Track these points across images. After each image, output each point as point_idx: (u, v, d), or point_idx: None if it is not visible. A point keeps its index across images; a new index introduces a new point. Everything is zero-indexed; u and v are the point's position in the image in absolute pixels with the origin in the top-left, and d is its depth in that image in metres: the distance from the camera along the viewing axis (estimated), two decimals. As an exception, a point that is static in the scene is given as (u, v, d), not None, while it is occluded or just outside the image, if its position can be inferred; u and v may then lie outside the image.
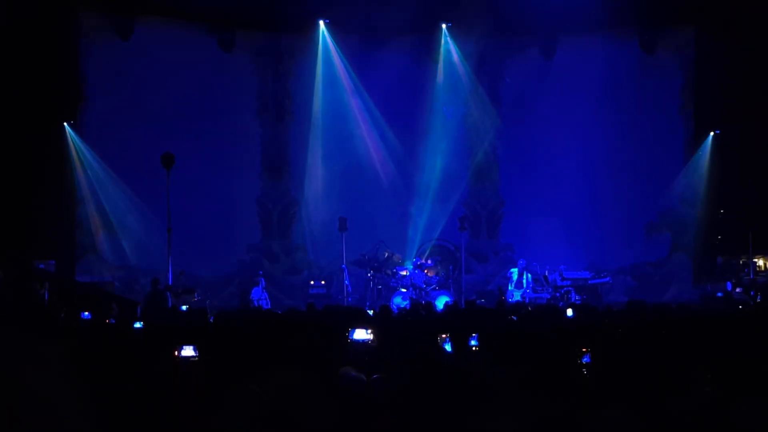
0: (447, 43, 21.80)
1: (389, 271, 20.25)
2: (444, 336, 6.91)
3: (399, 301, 18.40)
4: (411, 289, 19.29)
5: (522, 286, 19.07)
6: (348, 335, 7.00)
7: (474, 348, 6.93)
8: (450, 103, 22.31)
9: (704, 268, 21.20)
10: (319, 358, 5.76)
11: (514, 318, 9.90)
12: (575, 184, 21.25)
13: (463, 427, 4.36)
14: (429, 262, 20.57)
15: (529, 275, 19.28)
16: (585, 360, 6.00)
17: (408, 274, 19.96)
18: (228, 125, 21.17)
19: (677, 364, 5.24)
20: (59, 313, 11.96)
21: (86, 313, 11.30)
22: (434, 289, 19.52)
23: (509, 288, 19.05)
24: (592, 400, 4.58)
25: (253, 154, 21.61)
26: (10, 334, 1.65)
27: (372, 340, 6.91)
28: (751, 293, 17.37)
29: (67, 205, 19.34)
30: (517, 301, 17.48)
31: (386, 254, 21.25)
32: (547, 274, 19.65)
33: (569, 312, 10.87)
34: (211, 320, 10.84)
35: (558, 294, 19.12)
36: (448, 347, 6.88)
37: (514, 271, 19.46)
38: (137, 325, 9.45)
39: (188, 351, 5.98)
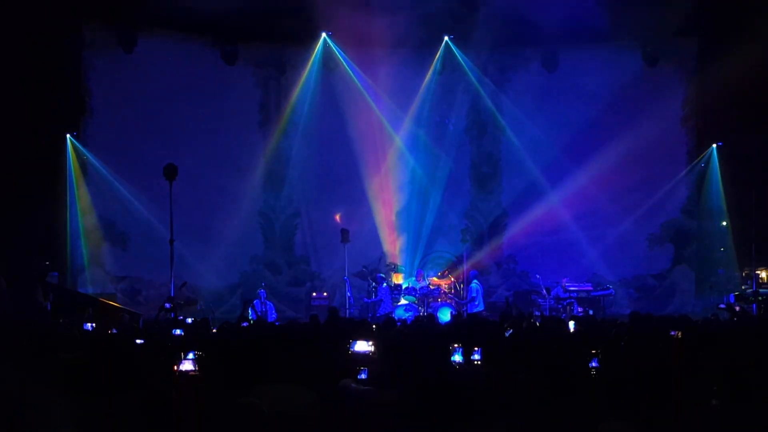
0: (449, 56, 21.85)
1: (390, 284, 20.25)
2: (456, 346, 6.88)
3: (401, 313, 18.33)
4: (415, 300, 19.24)
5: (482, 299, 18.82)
6: (349, 347, 6.98)
7: (477, 362, 6.89)
8: (452, 114, 22.36)
9: (706, 280, 21.18)
10: (321, 371, 5.75)
11: (507, 334, 9.75)
12: (577, 196, 21.24)
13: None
14: (431, 273, 20.53)
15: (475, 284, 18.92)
16: (593, 364, 5.96)
17: (409, 285, 19.93)
18: (231, 137, 21.20)
19: (682, 377, 5.22)
20: (60, 324, 11.93)
21: (89, 324, 11.27)
22: (436, 300, 19.45)
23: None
24: (595, 412, 4.55)
25: (256, 166, 21.62)
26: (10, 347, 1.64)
27: (373, 352, 6.90)
28: (746, 307, 17.32)
29: (70, 216, 19.40)
30: (520, 313, 17.34)
31: (388, 266, 21.25)
32: (549, 285, 19.61)
33: (571, 325, 10.85)
34: (215, 331, 10.82)
35: (560, 306, 19.07)
36: (459, 357, 6.85)
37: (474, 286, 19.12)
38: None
39: (187, 365, 5.97)
